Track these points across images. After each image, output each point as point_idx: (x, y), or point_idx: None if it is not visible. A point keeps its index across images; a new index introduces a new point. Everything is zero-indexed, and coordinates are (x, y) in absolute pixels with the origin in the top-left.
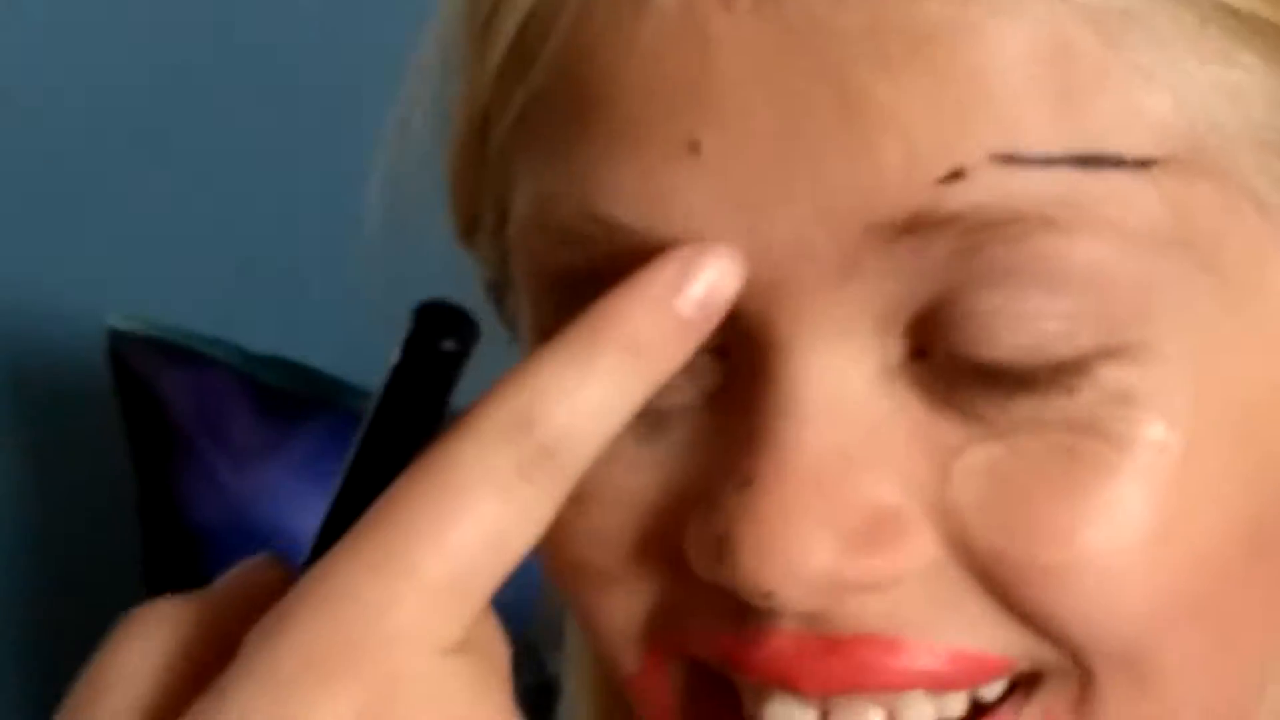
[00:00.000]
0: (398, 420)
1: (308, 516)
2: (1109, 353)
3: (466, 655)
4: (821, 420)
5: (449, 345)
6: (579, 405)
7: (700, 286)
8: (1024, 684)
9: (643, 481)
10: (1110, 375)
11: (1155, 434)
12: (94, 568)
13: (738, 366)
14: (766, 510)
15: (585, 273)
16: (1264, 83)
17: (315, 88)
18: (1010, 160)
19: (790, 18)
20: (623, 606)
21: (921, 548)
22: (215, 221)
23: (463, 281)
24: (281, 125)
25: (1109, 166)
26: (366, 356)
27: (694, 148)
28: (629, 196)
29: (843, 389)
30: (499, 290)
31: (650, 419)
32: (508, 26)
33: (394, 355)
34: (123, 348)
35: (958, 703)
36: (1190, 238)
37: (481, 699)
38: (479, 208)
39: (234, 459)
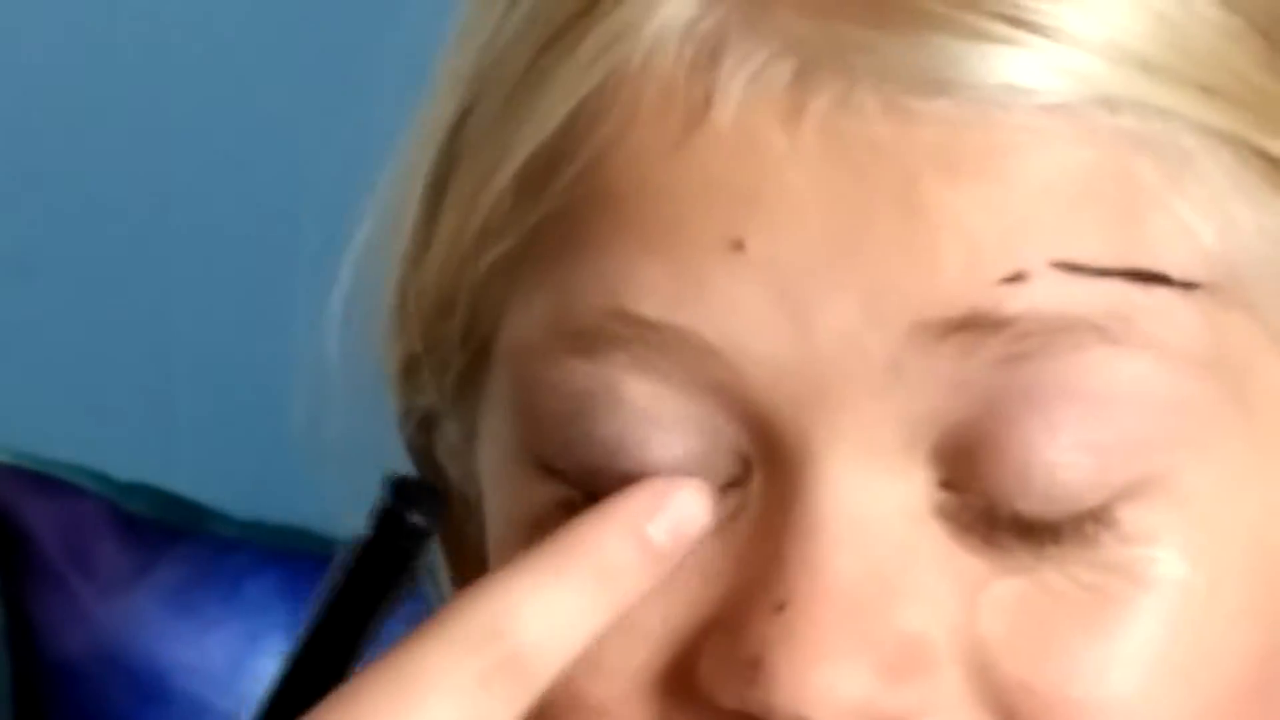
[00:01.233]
0: (363, 592)
1: (177, 646)
2: (1133, 492)
3: None
4: (855, 543)
5: (419, 521)
6: (549, 620)
7: (671, 517)
8: None
9: (650, 609)
10: (1134, 517)
11: (1179, 573)
12: None
13: (764, 484)
14: (804, 634)
15: (602, 387)
16: None
17: (190, 219)
18: (1070, 268)
19: (857, 139)
20: None
21: (949, 679)
22: (78, 345)
23: (331, 405)
24: (147, 246)
25: (1158, 283)
26: (235, 483)
27: (738, 245)
28: (663, 293)
29: (873, 511)
30: (430, 421)
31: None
32: (521, 147)
33: (362, 529)
34: None
35: None
36: (1223, 364)
37: None
38: (439, 334)
39: (100, 588)
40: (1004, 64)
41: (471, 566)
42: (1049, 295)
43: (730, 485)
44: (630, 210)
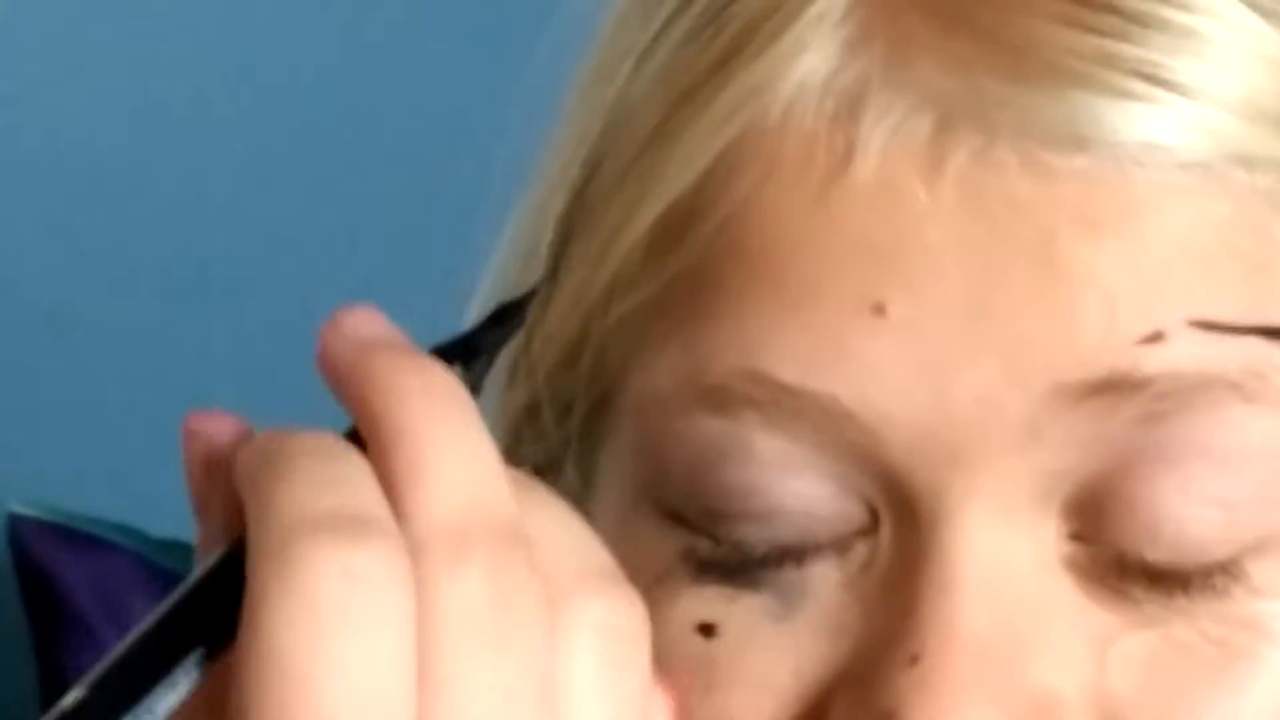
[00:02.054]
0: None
1: None
2: (1262, 547)
3: None
4: (988, 597)
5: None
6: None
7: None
8: None
9: (780, 662)
10: (1262, 571)
11: None
12: None
13: (895, 539)
14: (938, 687)
15: (732, 442)
16: None
17: (222, 272)
18: (1207, 326)
19: (995, 195)
20: None
21: None
22: (115, 404)
23: None
24: (182, 301)
25: None
26: None
27: (878, 309)
28: (801, 356)
29: (1005, 566)
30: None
31: (786, 596)
32: (656, 201)
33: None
34: (23, 533)
35: None
36: None
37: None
38: (562, 381)
39: None
40: (1143, 121)
41: None
42: (1187, 354)
43: (859, 533)
44: (769, 267)
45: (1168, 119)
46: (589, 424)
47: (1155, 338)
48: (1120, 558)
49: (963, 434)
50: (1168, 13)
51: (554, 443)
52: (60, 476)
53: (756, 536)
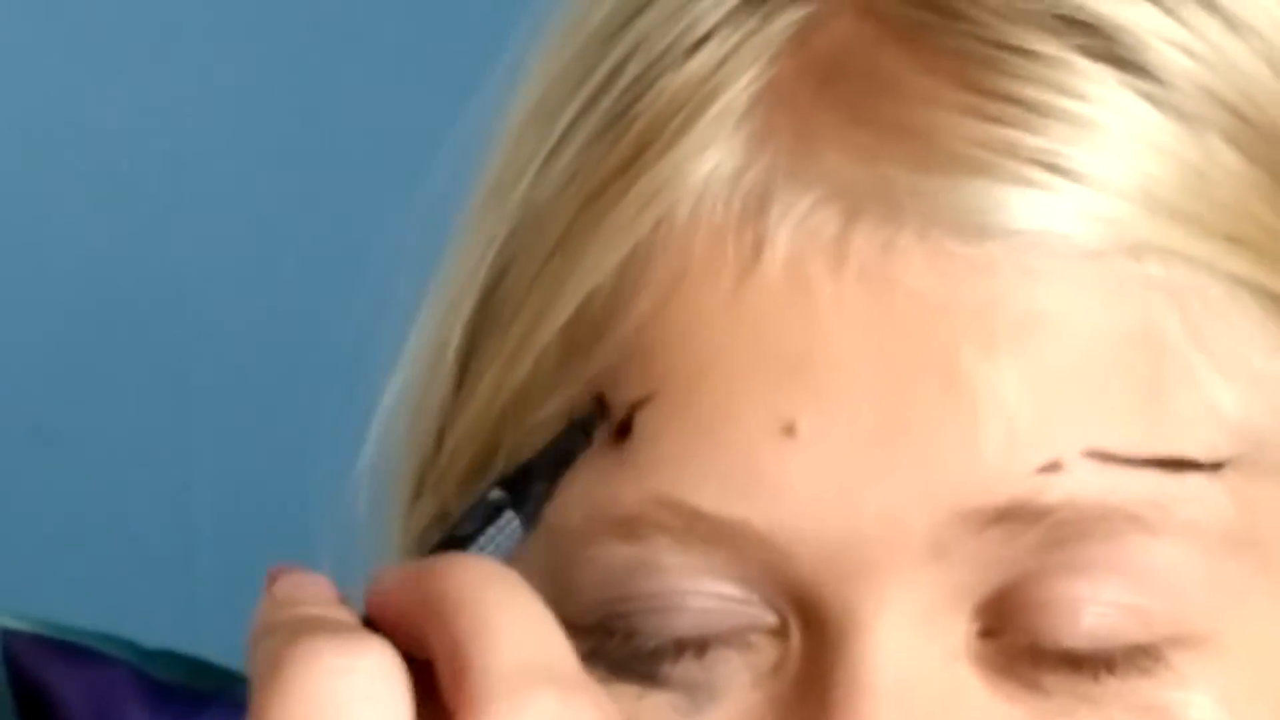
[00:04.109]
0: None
1: None
2: (1182, 640)
3: None
4: (899, 701)
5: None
6: None
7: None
8: None
9: None
10: (1179, 659)
11: (1214, 718)
12: None
13: (806, 644)
14: None
15: (642, 564)
16: None
17: (209, 385)
18: (1103, 458)
19: (899, 289)
20: None
21: None
22: (99, 512)
23: (356, 569)
24: (166, 413)
25: (1189, 469)
26: None
27: (789, 429)
28: (715, 483)
29: (916, 669)
30: None
31: (693, 695)
32: (567, 301)
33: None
34: (16, 648)
35: None
36: (1254, 540)
37: None
38: (470, 491)
39: None
40: (1042, 209)
41: None
42: (1085, 485)
43: (768, 633)
44: (681, 384)
45: (1065, 207)
46: None
47: (1053, 467)
48: (1034, 646)
49: (871, 551)
50: (1066, 103)
51: None
52: (47, 588)
53: (656, 630)
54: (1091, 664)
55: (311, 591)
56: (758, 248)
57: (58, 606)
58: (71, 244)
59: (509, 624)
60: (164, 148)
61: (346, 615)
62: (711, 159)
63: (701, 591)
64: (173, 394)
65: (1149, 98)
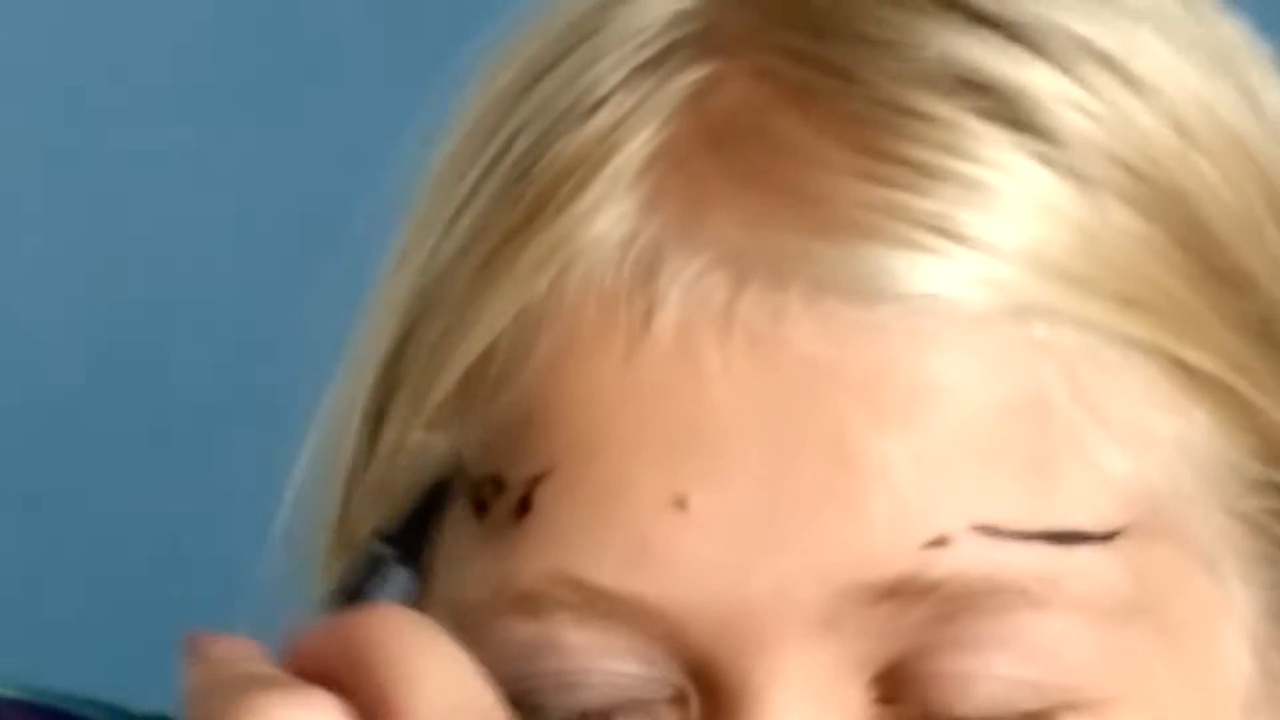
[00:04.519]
0: None
1: None
2: (1076, 706)
3: None
4: None
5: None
6: None
7: None
8: None
9: None
10: None
11: None
12: None
13: (705, 713)
14: None
15: (543, 640)
16: (1214, 442)
17: (194, 447)
18: (990, 532)
19: (789, 356)
20: None
21: None
22: (85, 576)
23: None
24: (151, 477)
25: (1079, 542)
26: None
27: (681, 503)
28: (610, 560)
29: None
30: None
31: None
32: (461, 360)
33: None
34: (2, 714)
35: None
36: (1149, 605)
37: None
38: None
39: None
40: (930, 273)
41: None
42: (972, 559)
43: (669, 702)
44: (575, 463)
45: (953, 270)
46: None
47: (940, 542)
48: (928, 715)
49: (763, 623)
50: (957, 165)
51: None
52: (34, 653)
53: (561, 704)
54: None
55: (244, 652)
56: (648, 315)
57: (42, 672)
58: (61, 310)
59: (433, 670)
60: (150, 210)
61: (283, 673)
62: (604, 221)
63: (603, 670)
64: (158, 456)
65: (1042, 159)
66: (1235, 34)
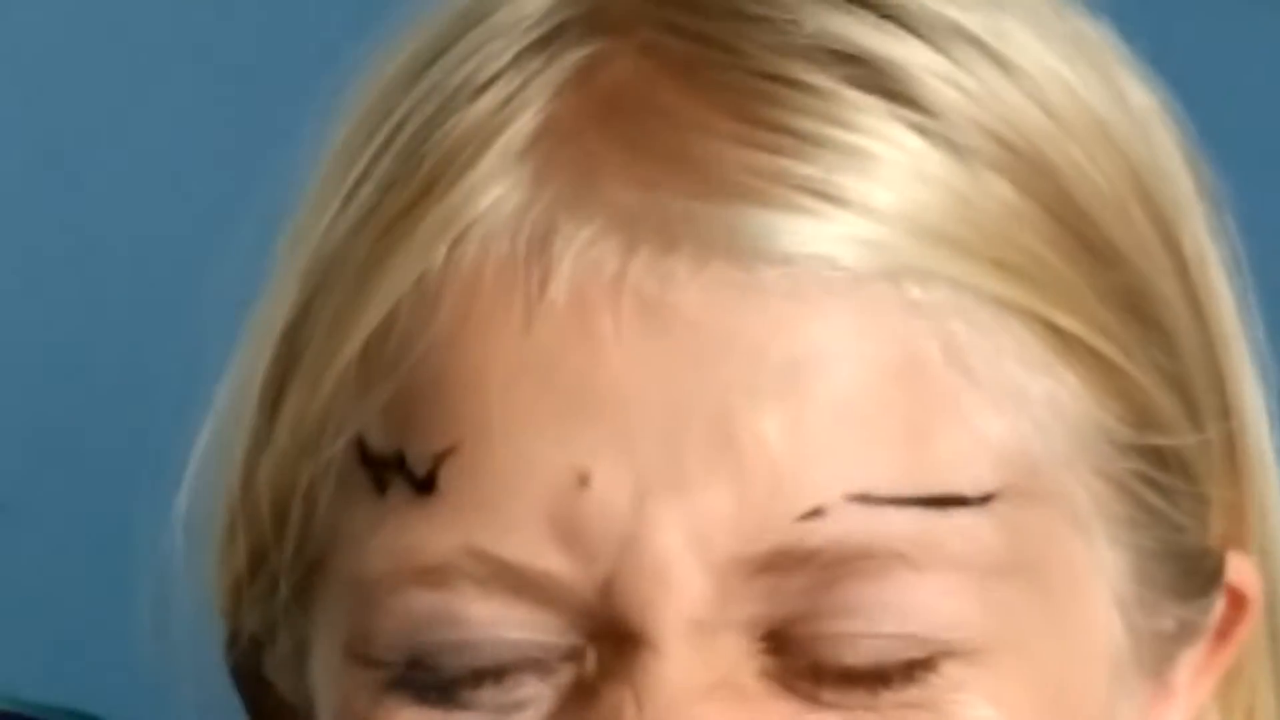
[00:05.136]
0: None
1: None
2: (952, 654)
3: None
4: (682, 710)
5: None
6: None
7: None
8: None
9: None
10: (953, 670)
11: (986, 715)
12: None
13: (601, 664)
14: None
15: (446, 612)
16: (1083, 404)
17: (168, 453)
18: (865, 500)
19: (678, 321)
20: None
21: None
22: (56, 582)
23: None
24: (123, 483)
25: (955, 505)
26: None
27: (584, 481)
28: (518, 536)
29: (701, 681)
30: (257, 644)
31: (500, 714)
32: (361, 330)
33: None
34: None
35: None
36: (1024, 564)
37: None
38: (272, 545)
39: None
40: (810, 234)
41: None
42: (848, 528)
43: (564, 658)
44: (480, 435)
45: (832, 231)
46: (301, 589)
47: (816, 513)
48: (816, 665)
49: (659, 589)
50: (835, 132)
51: (273, 605)
52: (12, 663)
53: (456, 663)
54: (868, 680)
55: None
56: (543, 283)
57: (17, 680)
58: (34, 315)
59: None
60: (122, 214)
61: None
62: (497, 190)
63: (504, 638)
64: (132, 464)
65: (918, 129)
66: (1099, 32)
